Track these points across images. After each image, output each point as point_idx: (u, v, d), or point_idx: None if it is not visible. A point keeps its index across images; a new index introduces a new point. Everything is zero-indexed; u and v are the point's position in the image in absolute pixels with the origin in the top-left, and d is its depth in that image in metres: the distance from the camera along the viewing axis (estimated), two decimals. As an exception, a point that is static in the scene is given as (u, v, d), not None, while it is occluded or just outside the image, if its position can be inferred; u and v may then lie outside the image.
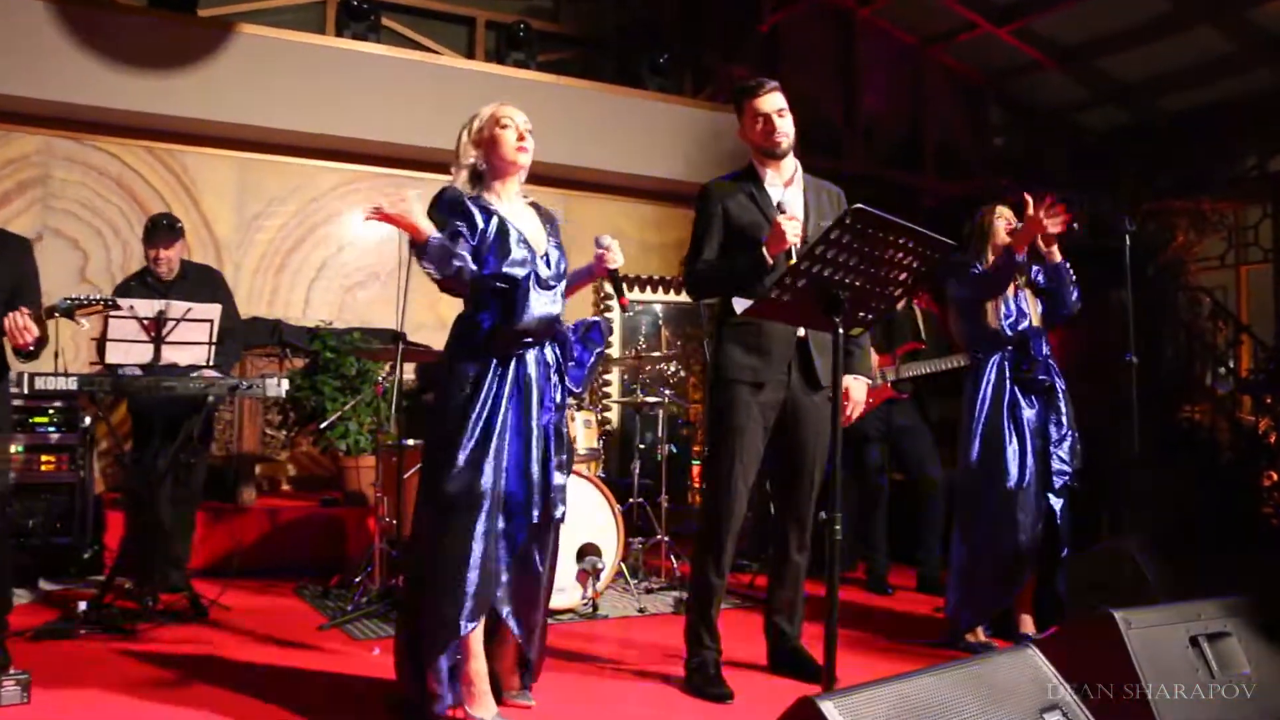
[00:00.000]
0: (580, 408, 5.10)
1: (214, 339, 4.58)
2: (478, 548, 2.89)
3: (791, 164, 3.65)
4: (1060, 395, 4.29)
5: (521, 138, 3.15)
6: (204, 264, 5.56)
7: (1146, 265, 10.26)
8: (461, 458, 2.93)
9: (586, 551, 4.71)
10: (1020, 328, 4.28)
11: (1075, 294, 4.37)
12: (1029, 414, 4.23)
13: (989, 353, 4.30)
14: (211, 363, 4.64)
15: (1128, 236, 4.27)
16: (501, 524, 2.97)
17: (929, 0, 9.12)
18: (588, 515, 4.74)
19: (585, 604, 4.74)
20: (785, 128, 3.56)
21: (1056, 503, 4.20)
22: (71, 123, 6.67)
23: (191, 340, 4.59)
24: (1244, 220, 9.83)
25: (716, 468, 3.55)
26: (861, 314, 2.70)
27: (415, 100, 7.09)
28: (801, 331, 3.51)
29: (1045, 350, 4.30)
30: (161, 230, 5.00)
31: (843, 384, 3.48)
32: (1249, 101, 8.96)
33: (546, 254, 3.15)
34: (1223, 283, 9.93)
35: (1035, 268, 4.37)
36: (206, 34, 6.68)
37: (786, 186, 3.60)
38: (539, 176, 7.65)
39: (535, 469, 3.00)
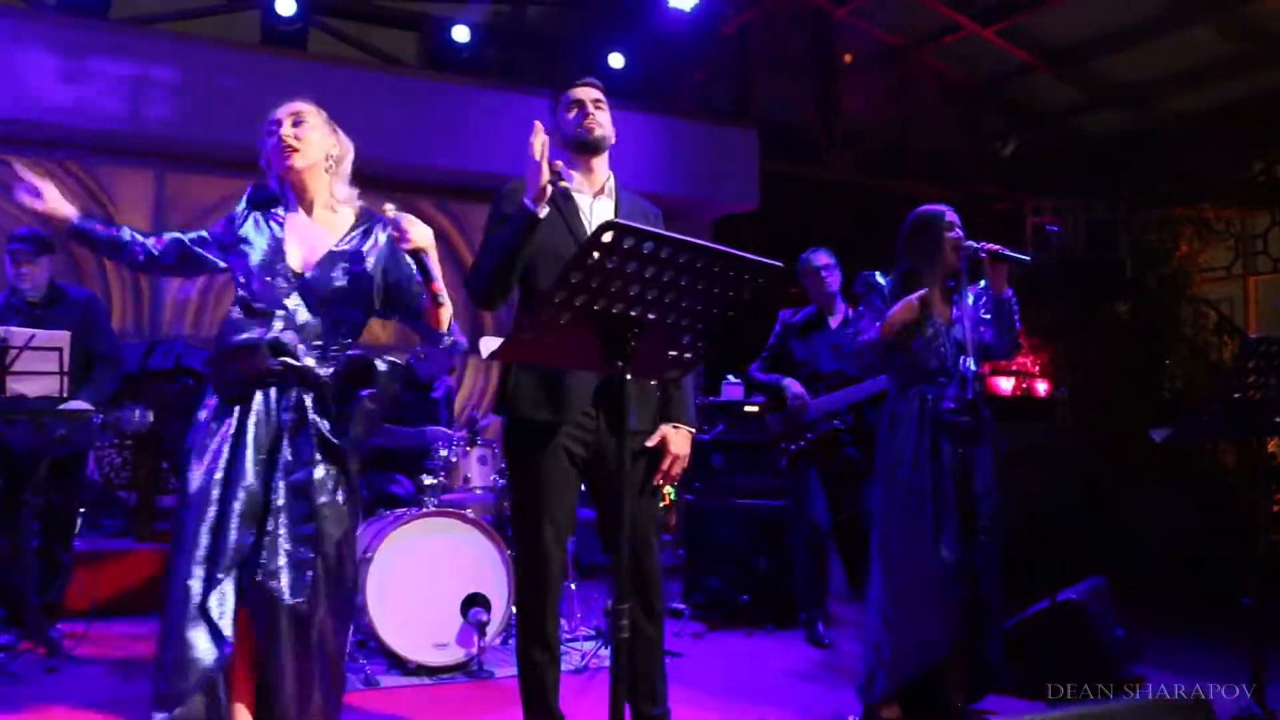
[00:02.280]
0: (474, 443, 4.64)
1: (64, 369, 4.17)
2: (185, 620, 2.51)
3: (605, 173, 3.16)
4: (988, 444, 3.67)
5: (284, 140, 2.76)
6: (80, 286, 5.18)
7: (1148, 276, 9.72)
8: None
9: (472, 603, 4.25)
10: (949, 361, 3.65)
11: (1017, 332, 3.72)
12: (950, 459, 3.59)
13: (910, 384, 3.74)
14: (67, 394, 4.23)
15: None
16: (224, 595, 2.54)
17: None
18: (473, 563, 4.29)
19: (471, 661, 4.28)
20: (601, 119, 3.07)
21: (977, 561, 3.63)
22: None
23: (39, 370, 4.20)
24: (1251, 228, 9.28)
25: (522, 530, 3.03)
26: (672, 354, 2.23)
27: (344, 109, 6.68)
28: None
29: (971, 389, 3.59)
30: (21, 245, 4.63)
31: (661, 433, 3.03)
32: (1255, 104, 8.42)
33: (303, 275, 2.72)
34: (1229, 294, 9.36)
35: (980, 294, 3.78)
36: (121, 40, 6.31)
37: (596, 197, 3.12)
38: (467, 187, 7.24)
39: (232, 534, 2.56)
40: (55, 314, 4.64)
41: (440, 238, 7.36)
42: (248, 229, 2.81)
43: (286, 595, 2.57)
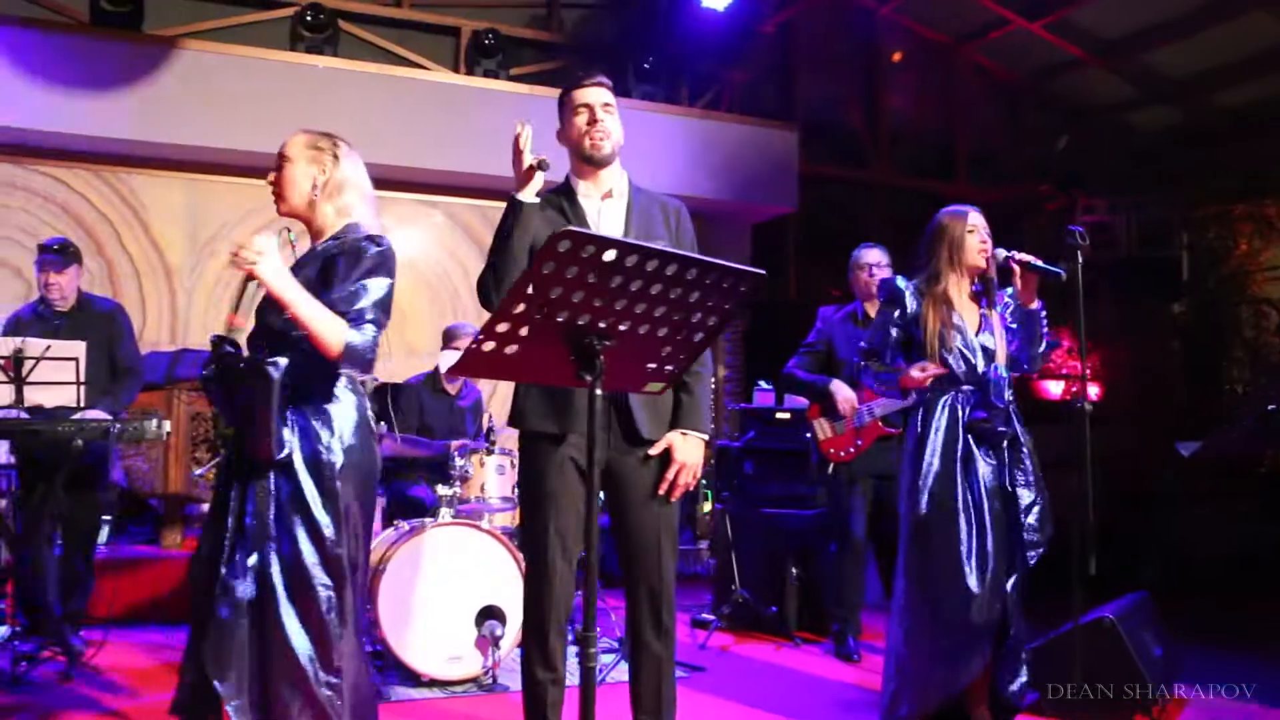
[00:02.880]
0: (490, 451, 4.55)
1: (80, 379, 4.20)
2: None
3: (615, 174, 3.02)
4: (1024, 450, 3.53)
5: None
6: (107, 298, 5.19)
7: (1206, 276, 9.39)
8: None
9: (487, 615, 4.18)
10: (981, 367, 3.50)
11: (1044, 347, 3.58)
12: (985, 470, 3.45)
13: (938, 392, 3.55)
14: (85, 403, 4.25)
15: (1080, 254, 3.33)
16: None
17: (957, -4, 8.47)
18: (488, 575, 4.22)
19: (486, 675, 4.20)
20: (610, 126, 2.94)
21: (1009, 580, 3.43)
22: (12, 147, 6.39)
23: (56, 380, 4.23)
24: (1316, 226, 8.91)
25: (530, 544, 2.94)
26: (651, 366, 2.12)
27: (375, 115, 6.68)
28: None
29: (1008, 396, 3.53)
30: (49, 255, 4.66)
31: (668, 441, 2.91)
32: (1317, 94, 8.10)
33: None
34: (1291, 295, 9.02)
35: (1008, 303, 3.63)
36: (151, 52, 6.35)
37: (605, 199, 3.01)
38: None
39: None
40: (81, 324, 4.65)
41: (478, 243, 7.41)
42: None
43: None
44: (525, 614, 2.95)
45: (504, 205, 2.85)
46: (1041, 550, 3.48)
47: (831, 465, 4.88)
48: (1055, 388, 8.91)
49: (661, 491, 2.92)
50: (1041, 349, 3.56)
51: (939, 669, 3.42)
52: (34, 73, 6.10)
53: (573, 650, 3.28)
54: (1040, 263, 3.38)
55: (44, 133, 6.24)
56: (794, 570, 5.41)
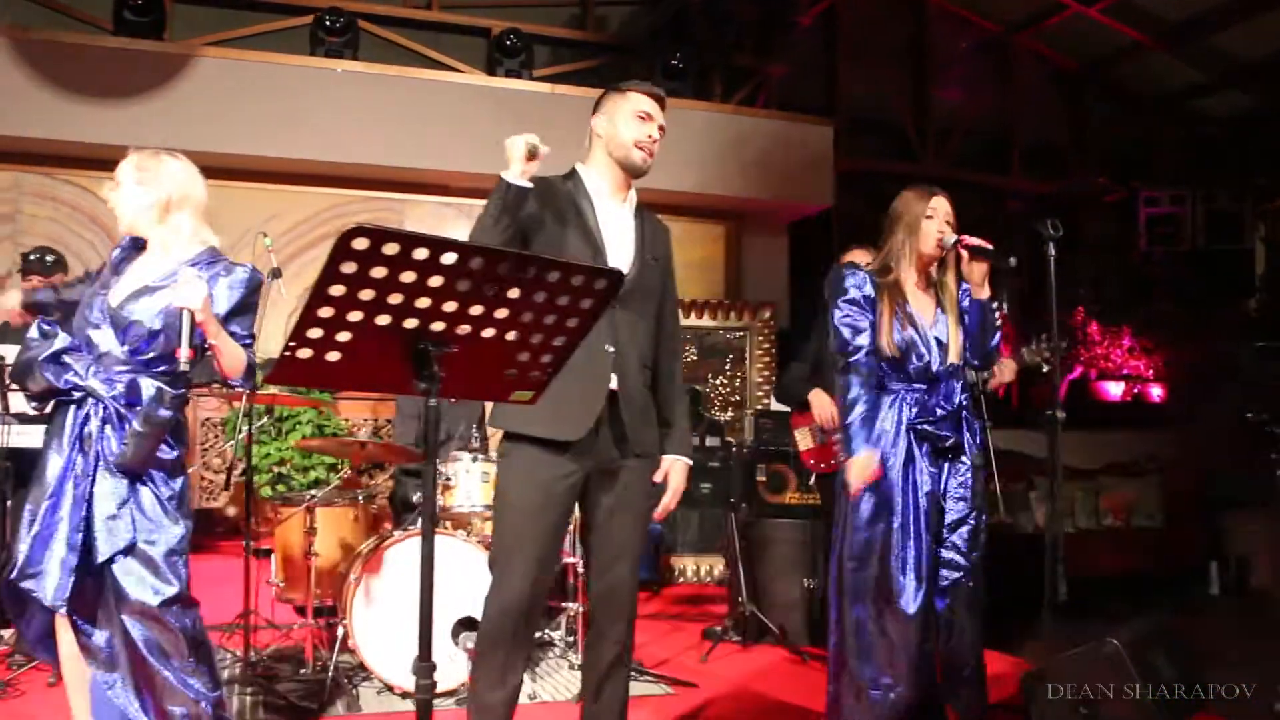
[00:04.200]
0: (475, 458, 4.44)
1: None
2: None
3: (631, 193, 2.90)
4: (965, 461, 3.20)
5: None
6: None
7: (1281, 270, 8.88)
8: None
9: (464, 626, 4.06)
10: (935, 364, 3.18)
11: (995, 341, 3.27)
12: (924, 478, 3.14)
13: (887, 387, 3.23)
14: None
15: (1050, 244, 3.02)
16: None
17: (1008, -18, 8.15)
18: (466, 584, 4.09)
19: (463, 688, 4.08)
20: (657, 145, 2.84)
21: (941, 603, 3.12)
22: (42, 157, 6.50)
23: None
24: (1400, 216, 8.36)
25: (498, 556, 2.81)
26: (512, 373, 1.97)
27: (396, 117, 6.65)
28: (615, 382, 2.75)
29: (959, 398, 3.21)
30: (31, 265, 4.71)
31: (664, 467, 2.87)
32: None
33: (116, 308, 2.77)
34: (1374, 290, 8.47)
35: (963, 295, 3.31)
36: (174, 60, 6.41)
37: (619, 211, 2.86)
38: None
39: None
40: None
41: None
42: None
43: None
44: (482, 629, 2.83)
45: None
46: (959, 576, 3.15)
47: (814, 476, 4.67)
48: (1115, 389, 8.50)
49: (658, 516, 2.93)
50: (995, 341, 3.27)
51: (877, 694, 3.16)
52: (61, 83, 6.20)
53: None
54: (990, 248, 3.10)
55: (71, 143, 6.33)
56: (805, 582, 5.20)
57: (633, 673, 4.44)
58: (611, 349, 2.73)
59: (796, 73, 8.40)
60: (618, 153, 2.82)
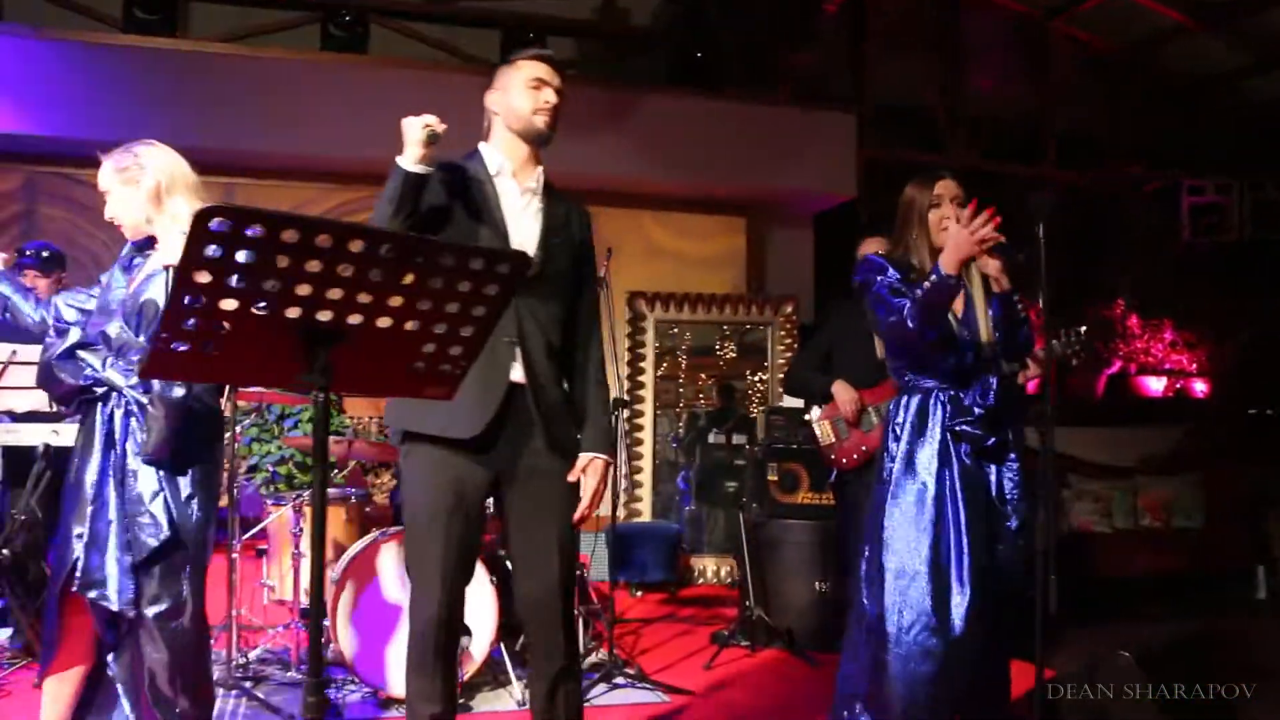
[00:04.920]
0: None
1: (47, 384, 4.18)
2: None
3: (538, 170, 2.73)
4: (1014, 461, 2.99)
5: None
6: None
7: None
8: None
9: (449, 631, 3.94)
10: (966, 359, 2.98)
11: (1024, 334, 3.06)
12: (965, 484, 2.91)
13: (918, 387, 3.05)
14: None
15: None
16: None
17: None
18: (451, 588, 3.98)
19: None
20: (557, 110, 2.69)
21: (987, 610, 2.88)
22: (54, 157, 6.53)
23: (28, 385, 4.23)
24: None
25: (410, 564, 2.69)
26: (419, 365, 1.84)
27: (407, 110, 6.56)
28: (518, 373, 2.59)
29: (993, 395, 2.97)
30: (26, 260, 4.69)
31: (579, 465, 2.67)
32: None
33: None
34: None
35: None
36: (184, 58, 6.40)
37: (525, 193, 2.70)
38: (558, 189, 7.09)
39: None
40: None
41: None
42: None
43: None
44: (410, 641, 2.70)
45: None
46: (1014, 578, 2.94)
47: (834, 473, 4.44)
48: (1156, 384, 8.18)
49: (575, 519, 2.69)
50: (1024, 335, 3.06)
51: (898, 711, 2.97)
52: (72, 82, 6.20)
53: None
54: (1002, 239, 2.90)
55: (82, 142, 6.32)
56: (818, 584, 5.03)
57: (629, 680, 4.34)
58: (512, 340, 2.58)
59: (823, 62, 8.20)
60: (517, 125, 2.67)
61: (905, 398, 3.11)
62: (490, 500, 2.78)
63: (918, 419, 3.04)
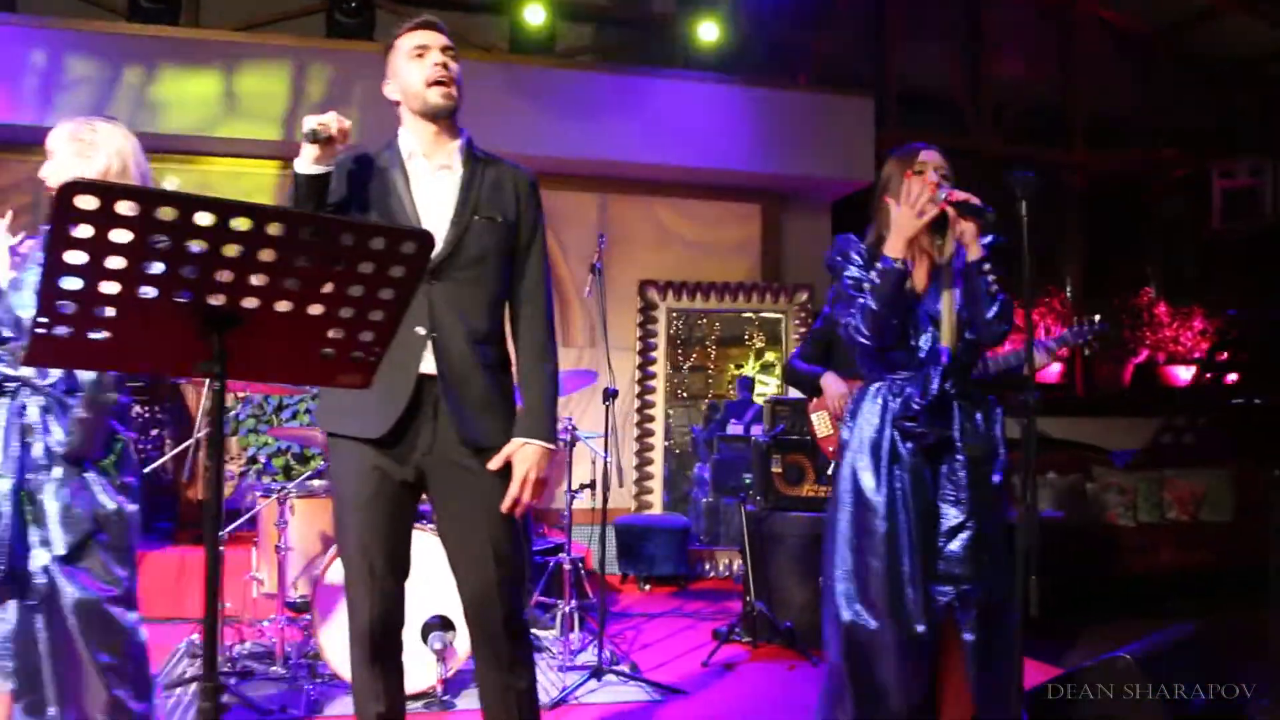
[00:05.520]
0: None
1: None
2: None
3: (453, 144, 2.60)
4: (959, 458, 2.80)
5: None
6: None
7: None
8: None
9: (436, 626, 3.87)
10: (925, 345, 2.81)
11: (993, 311, 2.78)
12: (910, 484, 2.76)
13: (874, 376, 2.90)
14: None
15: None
16: None
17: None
18: (436, 581, 3.89)
19: (430, 690, 3.89)
20: (454, 70, 2.55)
21: (924, 623, 2.70)
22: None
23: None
24: None
25: (344, 562, 2.58)
26: (328, 351, 1.73)
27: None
28: (429, 365, 2.45)
29: (937, 385, 2.79)
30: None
31: (507, 452, 2.50)
32: None
33: None
34: None
35: (958, 259, 2.87)
36: (189, 46, 6.37)
37: (441, 169, 2.56)
38: (568, 175, 6.93)
39: None
40: None
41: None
42: None
43: None
44: (352, 641, 2.61)
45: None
46: (967, 589, 2.74)
47: (831, 466, 4.32)
48: (1184, 373, 7.95)
49: (505, 509, 2.51)
50: (993, 312, 2.78)
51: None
52: (75, 70, 6.17)
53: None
54: (977, 202, 2.72)
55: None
56: (820, 579, 4.88)
57: (622, 677, 4.24)
58: (423, 330, 2.44)
59: (844, 46, 8.02)
60: (415, 103, 2.54)
61: (861, 388, 2.99)
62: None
63: (868, 412, 2.90)
